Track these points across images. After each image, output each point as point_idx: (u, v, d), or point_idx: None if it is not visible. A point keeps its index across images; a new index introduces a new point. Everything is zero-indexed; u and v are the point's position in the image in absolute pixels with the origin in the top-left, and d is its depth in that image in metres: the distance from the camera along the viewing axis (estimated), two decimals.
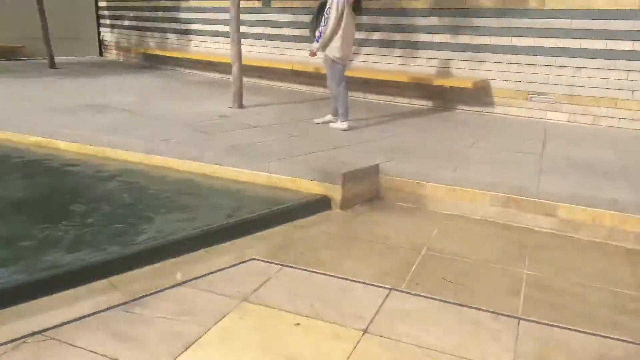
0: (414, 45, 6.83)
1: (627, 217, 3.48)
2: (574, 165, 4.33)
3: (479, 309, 2.44)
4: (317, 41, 5.22)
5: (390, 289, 2.60)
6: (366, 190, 4.12)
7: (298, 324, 2.32)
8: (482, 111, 6.51)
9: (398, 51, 7.01)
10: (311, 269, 2.89)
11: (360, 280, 2.71)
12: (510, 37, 6.13)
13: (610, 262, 3.26)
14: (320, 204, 3.91)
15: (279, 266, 2.91)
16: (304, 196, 3.94)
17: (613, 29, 5.57)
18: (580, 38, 5.76)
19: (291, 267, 2.91)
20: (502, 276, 3.02)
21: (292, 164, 4.14)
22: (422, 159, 4.40)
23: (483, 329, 2.25)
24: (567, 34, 5.83)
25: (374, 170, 4.16)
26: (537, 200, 3.71)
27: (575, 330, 2.28)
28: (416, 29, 6.81)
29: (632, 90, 5.62)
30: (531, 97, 6.17)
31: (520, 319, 2.35)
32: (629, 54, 5.54)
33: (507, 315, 2.39)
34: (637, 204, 3.45)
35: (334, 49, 5.15)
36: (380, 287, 2.62)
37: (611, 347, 2.15)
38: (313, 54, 5.39)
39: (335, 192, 3.93)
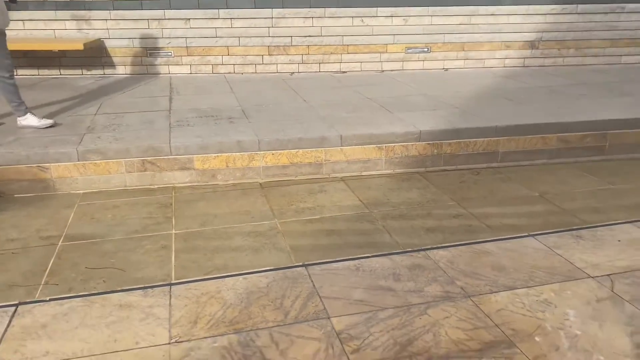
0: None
1: (253, 155, 3.78)
2: (202, 115, 4.45)
3: (129, 290, 2.24)
4: None
5: (17, 305, 2.13)
6: None
7: None
8: (104, 73, 6.04)
9: None
10: None
11: None
12: None
13: (247, 199, 3.51)
14: None
15: None
16: None
17: None
18: None
19: None
20: (151, 245, 2.87)
21: None
22: (38, 136, 3.77)
23: (135, 311, 2.07)
24: None
25: None
26: (172, 157, 3.65)
27: (223, 276, 2.32)
28: None
29: (239, 37, 6.09)
30: (150, 53, 6.04)
31: (171, 284, 2.26)
32: (221, 2, 5.92)
33: (159, 286, 2.26)
34: (256, 141, 3.77)
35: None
36: (2, 307, 2.12)
37: (255, 282, 2.27)
38: None
39: None
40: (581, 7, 6.43)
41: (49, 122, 4.01)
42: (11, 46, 5.52)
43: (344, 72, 6.35)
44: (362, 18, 6.15)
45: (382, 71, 6.41)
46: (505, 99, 5.00)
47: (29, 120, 3.96)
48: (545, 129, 4.15)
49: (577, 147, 4.20)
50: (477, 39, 6.42)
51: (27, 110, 3.99)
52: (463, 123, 4.15)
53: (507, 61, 6.58)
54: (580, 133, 4.19)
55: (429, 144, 4.00)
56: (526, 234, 2.71)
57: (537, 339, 1.92)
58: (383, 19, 6.19)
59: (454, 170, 4.05)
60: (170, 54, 6.06)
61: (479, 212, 3.29)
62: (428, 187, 3.73)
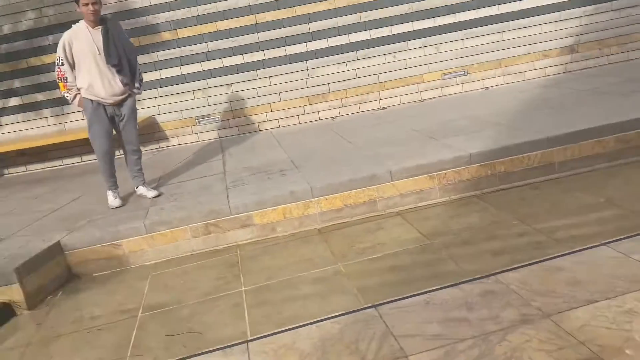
0: (62, 101, 6.23)
1: (308, 203, 3.86)
2: (254, 172, 4.61)
3: (209, 352, 2.32)
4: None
5: None
6: (54, 276, 3.54)
7: None
8: (159, 147, 6.42)
9: (46, 112, 6.30)
10: None
11: None
12: (157, 71, 6.17)
13: (308, 247, 3.57)
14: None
15: None
16: None
17: (237, 45, 6.16)
18: (220, 58, 6.19)
19: None
20: (225, 304, 2.97)
21: None
22: (107, 216, 4.02)
23: None
24: (209, 55, 6.18)
25: (56, 250, 3.60)
26: (232, 216, 3.79)
27: (296, 327, 2.36)
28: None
29: (279, 93, 6.34)
30: (199, 121, 6.37)
31: (248, 341, 2.32)
32: (258, 64, 6.22)
33: (237, 344, 2.33)
34: (309, 189, 3.86)
35: None
36: None
37: (328, 329, 2.30)
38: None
39: (14, 293, 3.24)
40: (616, 4, 6.28)
41: (118, 202, 4.26)
42: (76, 135, 5.94)
43: (384, 108, 6.44)
44: (394, 54, 6.27)
45: (422, 101, 6.45)
46: (552, 108, 4.90)
47: (110, 199, 4.27)
48: (600, 132, 4.02)
49: (638, 145, 4.03)
50: (513, 54, 6.37)
51: (113, 188, 4.30)
52: (512, 139, 4.09)
53: (547, 70, 6.47)
54: (638, 130, 4.03)
55: (480, 165, 3.96)
56: (598, 243, 2.61)
57: (628, 352, 1.83)
58: (415, 51, 6.28)
59: (511, 188, 3.97)
60: (217, 119, 6.37)
61: (545, 227, 3.20)
62: (487, 209, 3.67)
